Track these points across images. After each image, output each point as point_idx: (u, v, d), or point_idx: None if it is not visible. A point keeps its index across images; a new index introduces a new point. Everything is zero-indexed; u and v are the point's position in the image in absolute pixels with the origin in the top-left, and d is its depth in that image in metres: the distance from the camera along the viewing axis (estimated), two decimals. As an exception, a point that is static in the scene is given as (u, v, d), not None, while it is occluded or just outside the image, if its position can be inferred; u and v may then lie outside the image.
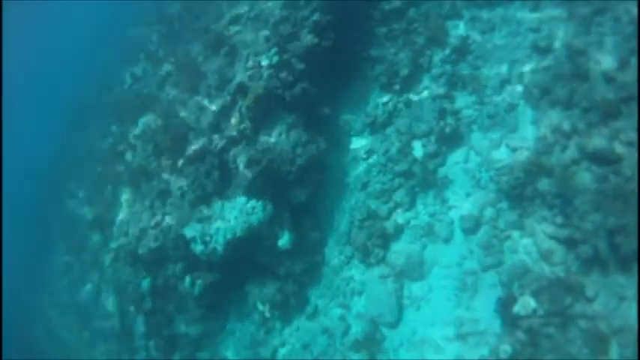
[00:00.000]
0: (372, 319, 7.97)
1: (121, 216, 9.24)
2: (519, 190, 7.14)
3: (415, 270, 7.98)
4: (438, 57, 9.02)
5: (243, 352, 9.05)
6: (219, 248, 7.98)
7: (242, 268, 8.76)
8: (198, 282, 8.70)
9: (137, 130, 9.30)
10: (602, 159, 6.42)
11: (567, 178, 6.62)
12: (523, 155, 7.41)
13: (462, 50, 8.85)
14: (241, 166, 8.03)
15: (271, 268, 8.61)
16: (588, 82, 6.96)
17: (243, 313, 9.32)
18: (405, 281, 8.04)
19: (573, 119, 6.97)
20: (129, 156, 9.41)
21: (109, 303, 9.61)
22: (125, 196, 9.22)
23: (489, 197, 7.76)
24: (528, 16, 8.55)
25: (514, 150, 7.73)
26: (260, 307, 8.74)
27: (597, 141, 6.51)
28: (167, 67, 9.67)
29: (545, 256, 6.77)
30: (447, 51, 8.92)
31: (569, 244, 6.49)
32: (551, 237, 6.74)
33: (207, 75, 9.00)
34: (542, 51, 8.04)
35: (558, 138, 7.04)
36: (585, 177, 6.53)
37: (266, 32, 8.89)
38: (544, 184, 6.85)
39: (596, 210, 6.20)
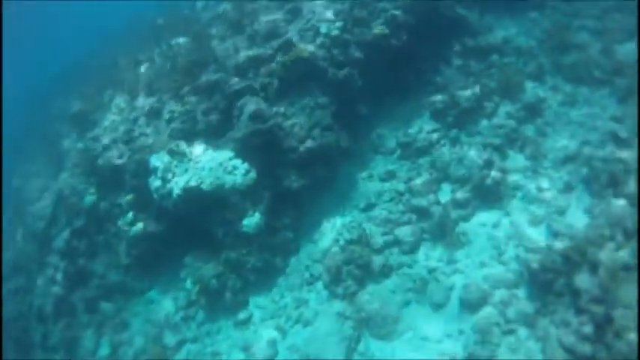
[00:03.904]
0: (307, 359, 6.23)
1: (103, 122, 8.19)
2: (550, 278, 5.51)
3: (384, 325, 6.25)
4: (505, 108, 7.82)
5: (149, 327, 7.45)
6: (176, 192, 6.65)
7: (190, 232, 7.31)
8: (139, 224, 7.32)
9: (164, 47, 8.46)
10: (663, 275, 4.85)
11: (613, 282, 4.99)
12: (564, 243, 5.86)
13: (534, 111, 7.65)
14: (244, 117, 6.84)
15: (222, 246, 7.12)
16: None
17: (171, 285, 7.78)
18: (366, 333, 6.30)
19: (642, 220, 5.45)
20: (143, 68, 8.52)
21: (47, 204, 8.36)
22: (116, 102, 8.20)
23: (506, 277, 6.13)
24: (614, 106, 7.48)
25: (555, 234, 6.19)
26: (189, 285, 7.15)
27: (663, 253, 4.96)
28: (226, 5, 8.96)
29: (552, 371, 5.02)
30: (518, 106, 7.75)
31: (589, 365, 4.76)
32: (568, 349, 5.01)
33: (260, 23, 8.13)
34: (620, 142, 6.77)
35: (616, 233, 5.48)
36: (633, 289, 4.91)
37: (339, 7, 8.05)
38: (583, 281, 5.21)
39: (636, 331, 4.55)
